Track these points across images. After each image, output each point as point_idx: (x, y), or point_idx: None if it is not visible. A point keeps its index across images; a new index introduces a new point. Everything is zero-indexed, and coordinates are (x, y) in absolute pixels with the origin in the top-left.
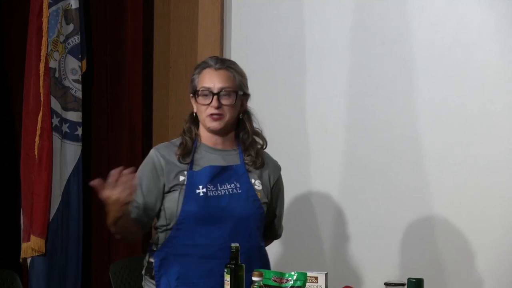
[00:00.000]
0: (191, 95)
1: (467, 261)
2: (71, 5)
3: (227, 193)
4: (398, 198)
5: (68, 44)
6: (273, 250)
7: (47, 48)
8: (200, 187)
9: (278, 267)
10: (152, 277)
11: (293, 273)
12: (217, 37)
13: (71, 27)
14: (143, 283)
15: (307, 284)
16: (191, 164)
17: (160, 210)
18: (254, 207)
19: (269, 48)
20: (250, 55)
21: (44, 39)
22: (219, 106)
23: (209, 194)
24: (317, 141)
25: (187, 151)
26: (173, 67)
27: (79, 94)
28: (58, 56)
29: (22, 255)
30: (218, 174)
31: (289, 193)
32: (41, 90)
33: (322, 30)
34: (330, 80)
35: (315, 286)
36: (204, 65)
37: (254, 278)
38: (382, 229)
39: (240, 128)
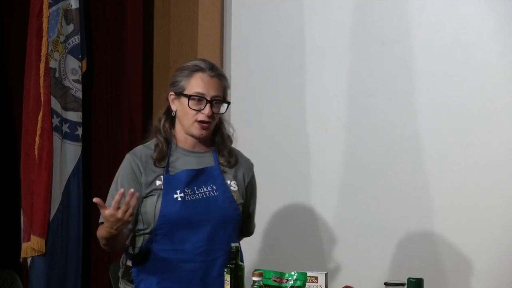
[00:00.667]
0: (174, 94)
1: (467, 261)
2: (71, 5)
3: (204, 196)
4: (398, 198)
5: (68, 44)
6: (273, 250)
7: (47, 48)
8: (178, 191)
9: (278, 267)
10: (130, 281)
11: (293, 273)
12: (217, 37)
13: (71, 27)
14: (120, 285)
15: (307, 284)
16: (167, 167)
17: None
18: (231, 209)
19: (269, 48)
20: (250, 55)
21: (44, 39)
22: (211, 114)
23: (186, 199)
24: (317, 141)
25: (163, 155)
26: (173, 67)
27: (79, 94)
28: (58, 56)
29: (22, 255)
30: (195, 178)
31: (289, 193)
32: (41, 90)
33: (322, 30)
34: (330, 80)
35: (315, 286)
36: (195, 68)
37: (254, 278)
38: (382, 229)
39: (214, 131)
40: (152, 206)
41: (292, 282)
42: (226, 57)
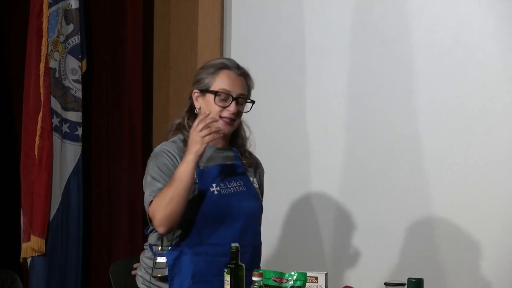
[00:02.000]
0: (198, 92)
1: (467, 261)
2: (71, 5)
3: (236, 190)
4: (398, 198)
5: (68, 44)
6: (273, 250)
7: (47, 48)
8: (214, 185)
9: (278, 267)
10: (162, 279)
11: (293, 273)
12: (217, 37)
13: (71, 27)
14: (146, 284)
15: (307, 284)
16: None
17: None
18: (258, 205)
19: (269, 48)
20: (250, 55)
21: (44, 39)
22: (237, 111)
23: (222, 193)
24: (317, 141)
25: None
26: (173, 67)
27: (79, 94)
28: (58, 56)
29: (22, 255)
30: (226, 172)
31: (289, 193)
32: (41, 90)
33: (322, 30)
34: (330, 80)
35: (315, 286)
36: (221, 65)
37: (254, 278)
38: (382, 229)
39: (234, 132)
40: (189, 201)
41: (292, 282)
42: (226, 57)
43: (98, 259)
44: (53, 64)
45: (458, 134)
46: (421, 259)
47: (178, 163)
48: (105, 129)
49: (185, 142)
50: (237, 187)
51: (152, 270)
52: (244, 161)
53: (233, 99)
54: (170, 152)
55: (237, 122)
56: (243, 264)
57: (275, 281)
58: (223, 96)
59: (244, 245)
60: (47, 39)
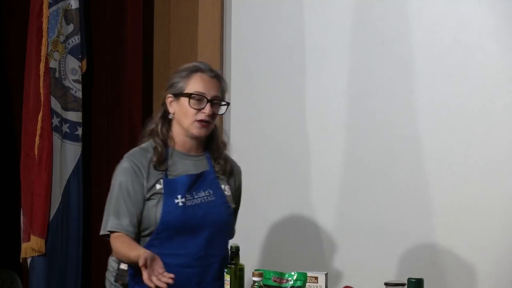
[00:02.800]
0: (172, 96)
1: (467, 261)
2: (71, 5)
3: (203, 201)
4: (398, 198)
5: (68, 44)
6: (273, 250)
7: (47, 48)
8: (179, 196)
9: (278, 267)
10: (124, 285)
11: (293, 273)
12: (217, 37)
13: (71, 27)
14: None
15: (307, 284)
16: (166, 171)
17: None
18: (226, 214)
19: (269, 48)
20: (250, 55)
21: (44, 39)
22: (212, 113)
23: (187, 204)
24: (317, 141)
25: (163, 158)
26: (173, 67)
27: (79, 94)
28: (58, 56)
29: (22, 255)
30: (194, 182)
31: (289, 193)
32: (41, 90)
33: (322, 30)
34: (330, 80)
35: (315, 286)
36: (194, 69)
37: (254, 278)
38: (382, 229)
39: (209, 137)
40: (152, 210)
41: (292, 282)
42: (226, 57)
43: (98, 259)
44: (53, 64)
45: (458, 134)
46: (421, 259)
47: (144, 178)
48: (105, 129)
49: (155, 150)
50: (205, 197)
51: (116, 276)
52: (216, 168)
53: (208, 101)
54: (137, 166)
55: (212, 125)
56: (243, 264)
57: (275, 281)
58: (198, 98)
59: (210, 255)
60: (47, 39)
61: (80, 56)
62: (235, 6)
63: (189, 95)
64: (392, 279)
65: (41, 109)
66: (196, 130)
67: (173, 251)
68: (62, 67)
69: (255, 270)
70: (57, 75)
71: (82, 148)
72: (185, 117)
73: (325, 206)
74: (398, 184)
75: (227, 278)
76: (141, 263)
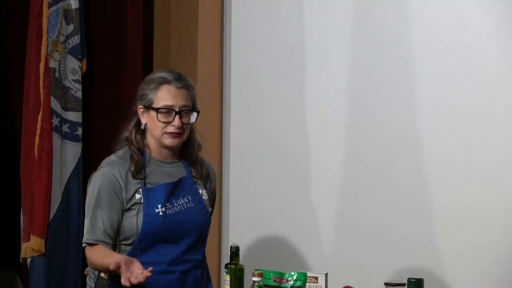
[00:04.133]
0: (142, 108)
1: (467, 261)
2: (71, 5)
3: (182, 208)
4: (398, 198)
5: (68, 44)
6: (273, 250)
7: (47, 48)
8: (159, 206)
9: (278, 267)
10: None
11: (293, 273)
12: (217, 37)
13: (71, 27)
14: None
15: (307, 284)
16: (144, 180)
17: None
18: (205, 219)
19: (269, 48)
20: (250, 55)
21: (44, 39)
22: (181, 124)
23: (167, 213)
24: (317, 141)
25: (140, 166)
26: (173, 67)
27: (79, 94)
28: (58, 56)
29: (22, 255)
30: (173, 190)
31: (289, 193)
32: (41, 90)
33: (322, 30)
34: (330, 80)
35: (315, 286)
36: (161, 80)
37: (254, 278)
38: (382, 229)
39: (186, 140)
40: (133, 220)
41: (292, 282)
42: (226, 57)
43: None
44: (53, 64)
45: (458, 134)
46: (421, 259)
47: (121, 189)
48: (105, 129)
49: (132, 158)
50: (184, 204)
51: (96, 283)
52: (193, 174)
53: (176, 113)
54: (115, 178)
55: (184, 134)
56: (243, 264)
57: (275, 281)
58: (166, 111)
59: (190, 260)
60: (47, 39)
61: (80, 56)
62: (235, 6)
63: (156, 110)
64: (392, 279)
65: (41, 109)
66: (167, 141)
67: (154, 259)
68: (62, 67)
69: (255, 270)
70: (57, 75)
71: (82, 148)
72: (155, 129)
73: (325, 206)
74: (398, 184)
75: (227, 278)
76: (112, 267)
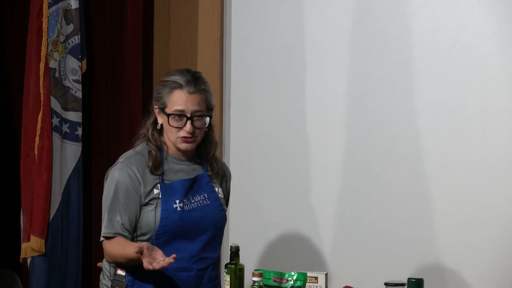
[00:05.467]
0: (158, 108)
1: (467, 261)
2: (71, 5)
3: (199, 205)
4: (398, 198)
5: (68, 44)
6: (273, 250)
7: (47, 48)
8: (177, 201)
9: (278, 267)
10: None
11: (293, 273)
12: (217, 37)
13: (71, 27)
14: None
15: (307, 284)
16: (162, 176)
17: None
18: (221, 217)
19: (269, 48)
20: (250, 55)
21: (44, 39)
22: (193, 130)
23: (185, 208)
24: (317, 141)
25: (158, 162)
26: (173, 67)
27: (79, 94)
28: (58, 56)
29: (22, 255)
30: (190, 187)
31: (289, 193)
32: (41, 90)
33: (322, 30)
34: (330, 80)
35: (315, 286)
36: (174, 85)
37: (254, 278)
38: (382, 229)
39: (203, 138)
40: (151, 215)
41: (292, 282)
42: (226, 57)
43: (98, 259)
44: (53, 64)
45: (457, 134)
46: (421, 259)
47: (140, 183)
48: (105, 129)
49: (150, 154)
50: (200, 201)
51: (112, 281)
52: (209, 172)
53: (188, 118)
54: (134, 173)
55: (198, 138)
56: (243, 264)
57: (275, 281)
58: (177, 117)
59: (206, 258)
60: (47, 39)
61: (80, 56)
62: (235, 6)
63: (168, 115)
64: (392, 279)
65: (41, 109)
66: (181, 145)
67: (170, 256)
68: (62, 67)
69: (255, 270)
70: (57, 75)
71: (82, 148)
72: (169, 133)
73: (325, 206)
74: (398, 184)
75: (227, 278)
76: (135, 250)
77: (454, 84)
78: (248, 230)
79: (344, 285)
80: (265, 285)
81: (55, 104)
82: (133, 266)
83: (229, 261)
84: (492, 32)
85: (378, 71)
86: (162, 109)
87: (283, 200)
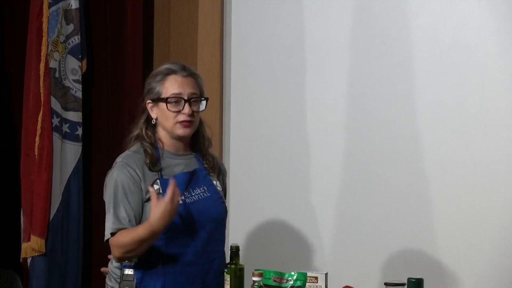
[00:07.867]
0: (151, 102)
1: (467, 261)
2: (71, 5)
3: (199, 198)
4: (398, 198)
5: (68, 44)
6: (273, 250)
7: (47, 48)
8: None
9: (278, 267)
10: None
11: (293, 273)
12: (217, 37)
13: (71, 27)
14: None
15: (307, 284)
16: (161, 171)
17: None
18: (222, 209)
19: (269, 48)
20: (250, 55)
21: (44, 39)
22: (191, 112)
23: (187, 201)
24: (317, 141)
25: (155, 159)
26: None
27: (79, 94)
28: (58, 56)
29: (22, 255)
30: (189, 180)
31: (289, 193)
32: (41, 90)
33: (322, 30)
34: (330, 80)
35: (315, 286)
36: (167, 71)
37: (254, 278)
38: (382, 229)
39: (194, 134)
40: None
41: (292, 282)
42: (226, 57)
43: (98, 259)
44: (53, 64)
45: (458, 134)
46: (421, 259)
47: (140, 179)
48: (105, 129)
49: (146, 152)
50: (201, 194)
51: (120, 282)
52: (206, 165)
53: (185, 101)
54: (133, 169)
55: (195, 123)
56: (243, 264)
57: (275, 281)
58: (175, 100)
59: (212, 251)
60: (47, 39)
61: (80, 56)
62: (235, 6)
63: (166, 99)
64: (392, 279)
65: (41, 109)
66: (180, 131)
67: (177, 251)
68: (62, 67)
69: (255, 270)
70: (57, 75)
71: (82, 148)
72: (166, 121)
73: (325, 206)
74: (398, 184)
75: (227, 278)
76: (153, 195)
77: (454, 84)
78: (248, 230)
79: (344, 285)
80: (265, 285)
81: (55, 104)
82: (140, 263)
83: (229, 261)
84: (492, 32)
85: (378, 71)
86: (157, 99)
87: (283, 200)
